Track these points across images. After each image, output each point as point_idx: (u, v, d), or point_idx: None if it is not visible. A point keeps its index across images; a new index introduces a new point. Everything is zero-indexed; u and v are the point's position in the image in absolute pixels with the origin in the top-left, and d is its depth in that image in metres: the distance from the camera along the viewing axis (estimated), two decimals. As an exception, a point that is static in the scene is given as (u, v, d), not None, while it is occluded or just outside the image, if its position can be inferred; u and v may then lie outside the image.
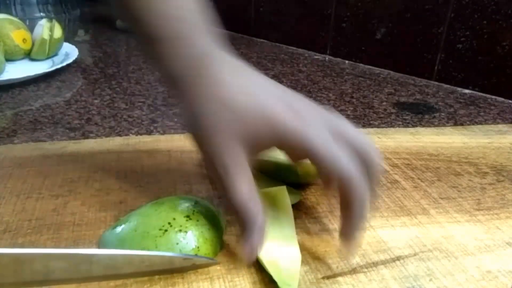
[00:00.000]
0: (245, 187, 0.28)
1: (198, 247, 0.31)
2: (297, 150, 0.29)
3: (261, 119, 0.28)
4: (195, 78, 0.30)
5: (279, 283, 0.29)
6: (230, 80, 0.30)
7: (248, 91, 0.30)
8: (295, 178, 0.40)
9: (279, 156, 0.41)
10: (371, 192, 0.30)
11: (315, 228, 0.37)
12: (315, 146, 0.28)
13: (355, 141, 0.30)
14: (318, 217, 0.38)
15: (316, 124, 0.29)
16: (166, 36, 0.30)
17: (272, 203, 0.36)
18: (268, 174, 0.41)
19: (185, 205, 0.33)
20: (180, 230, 0.31)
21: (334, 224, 0.38)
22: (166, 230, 0.31)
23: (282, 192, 0.38)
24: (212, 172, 0.30)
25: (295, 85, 0.78)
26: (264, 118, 0.28)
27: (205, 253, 0.32)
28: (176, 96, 0.31)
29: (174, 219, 0.32)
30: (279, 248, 0.32)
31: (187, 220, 0.32)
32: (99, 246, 0.33)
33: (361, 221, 0.30)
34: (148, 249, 0.30)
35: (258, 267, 0.32)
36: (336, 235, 0.36)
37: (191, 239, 0.31)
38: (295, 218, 0.38)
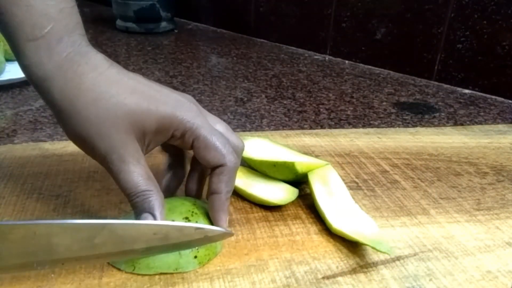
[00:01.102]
0: (142, 171, 0.30)
1: (197, 249, 0.31)
2: (184, 138, 0.31)
3: (147, 112, 0.30)
4: (72, 79, 0.29)
5: (371, 245, 0.33)
6: (117, 78, 0.31)
7: (130, 87, 0.30)
8: (294, 176, 0.40)
9: (278, 156, 0.41)
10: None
11: (315, 228, 0.37)
12: (202, 134, 0.31)
13: (228, 136, 0.34)
14: (318, 217, 0.38)
15: (200, 114, 0.32)
16: (35, 34, 0.29)
17: (323, 180, 0.40)
18: (267, 173, 0.41)
19: (184, 206, 0.33)
20: None
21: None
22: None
23: (328, 168, 0.41)
24: (107, 165, 0.30)
25: (295, 85, 0.78)
26: (150, 110, 0.30)
27: (205, 254, 0.32)
28: (50, 101, 0.30)
29: (173, 221, 0.32)
30: (352, 218, 0.36)
31: (185, 222, 0.32)
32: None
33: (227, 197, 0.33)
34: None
35: (258, 267, 0.32)
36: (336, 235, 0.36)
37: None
38: (295, 217, 0.38)
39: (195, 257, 0.31)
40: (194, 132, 0.31)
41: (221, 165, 0.32)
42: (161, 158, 0.39)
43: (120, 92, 0.30)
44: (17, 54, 0.29)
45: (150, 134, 0.31)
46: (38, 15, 0.28)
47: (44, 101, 0.30)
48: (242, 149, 0.35)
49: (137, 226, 0.29)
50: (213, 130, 0.32)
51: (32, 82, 0.30)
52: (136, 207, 0.31)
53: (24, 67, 0.30)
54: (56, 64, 0.29)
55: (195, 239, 0.30)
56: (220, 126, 0.34)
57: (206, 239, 0.31)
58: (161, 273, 0.31)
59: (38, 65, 0.29)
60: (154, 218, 0.30)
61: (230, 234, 0.32)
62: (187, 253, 0.31)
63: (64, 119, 0.30)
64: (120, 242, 0.28)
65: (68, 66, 0.29)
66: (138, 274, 0.31)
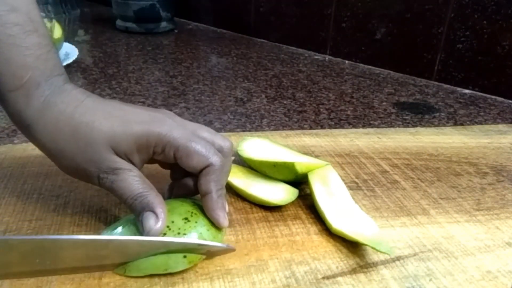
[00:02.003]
0: (135, 176, 0.31)
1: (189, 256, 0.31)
2: (165, 152, 0.32)
3: (123, 134, 0.31)
4: (51, 120, 0.31)
5: (371, 245, 0.33)
6: (92, 107, 0.32)
7: (104, 113, 0.31)
8: (294, 176, 0.40)
9: (278, 156, 0.41)
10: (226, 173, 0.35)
11: (315, 228, 0.37)
12: (180, 144, 0.32)
13: (212, 139, 0.34)
14: (318, 217, 0.38)
15: (177, 126, 0.32)
16: (16, 85, 0.30)
17: (323, 181, 0.40)
18: (267, 173, 0.41)
19: (183, 207, 0.33)
20: (179, 233, 0.31)
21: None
22: (164, 234, 0.31)
23: (328, 168, 0.41)
24: (103, 183, 0.31)
25: (295, 85, 0.78)
26: (126, 132, 0.31)
27: (195, 254, 0.32)
28: (37, 145, 0.32)
29: (172, 222, 0.31)
30: (352, 218, 0.36)
31: (185, 223, 0.32)
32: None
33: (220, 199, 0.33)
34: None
35: (258, 267, 0.32)
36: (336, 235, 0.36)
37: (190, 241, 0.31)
38: (295, 218, 0.38)
39: (184, 256, 0.31)
40: (173, 144, 0.31)
41: (206, 166, 0.32)
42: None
43: (95, 119, 0.31)
44: (2, 103, 0.31)
45: (132, 154, 0.31)
46: (16, 66, 0.30)
47: (32, 143, 0.32)
48: (229, 148, 0.35)
49: (141, 242, 0.29)
50: (191, 137, 0.32)
51: (18, 128, 0.32)
52: (135, 208, 0.31)
53: (9, 115, 0.31)
54: (35, 110, 0.31)
55: (198, 253, 0.31)
56: (201, 131, 0.34)
57: (209, 254, 0.32)
58: (151, 275, 0.31)
59: (19, 113, 0.31)
60: (156, 215, 0.30)
61: (231, 250, 0.32)
62: (176, 254, 0.31)
63: (53, 158, 0.32)
64: (124, 255, 0.30)
65: (46, 109, 0.31)
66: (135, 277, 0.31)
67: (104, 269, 0.31)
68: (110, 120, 0.31)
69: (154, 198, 0.31)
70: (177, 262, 0.31)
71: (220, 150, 0.34)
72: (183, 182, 0.36)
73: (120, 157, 0.31)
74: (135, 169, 0.32)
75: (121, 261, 0.30)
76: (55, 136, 0.31)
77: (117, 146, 0.31)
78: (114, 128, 0.31)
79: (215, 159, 0.32)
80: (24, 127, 0.31)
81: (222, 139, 0.35)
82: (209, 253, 0.32)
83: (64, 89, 0.32)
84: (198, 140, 0.32)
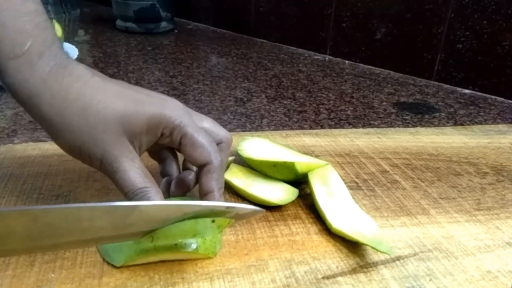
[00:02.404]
0: (138, 170, 0.31)
1: (197, 248, 0.31)
2: (173, 136, 0.32)
3: (136, 113, 0.31)
4: (59, 92, 0.30)
5: (371, 245, 0.33)
6: (102, 84, 0.31)
7: (116, 92, 0.31)
8: (294, 176, 0.40)
9: (278, 156, 0.41)
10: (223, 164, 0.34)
11: (315, 228, 0.37)
12: (189, 132, 0.32)
13: (214, 130, 0.35)
14: (318, 217, 0.38)
15: (187, 113, 0.33)
16: (16, 52, 0.29)
17: (323, 180, 0.39)
18: (267, 173, 0.41)
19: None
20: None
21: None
22: (154, 248, 0.30)
23: (328, 168, 0.41)
24: (104, 169, 0.31)
25: (295, 85, 0.78)
26: (138, 112, 0.31)
27: (204, 253, 0.32)
28: (39, 117, 0.30)
29: (154, 247, 0.31)
30: (352, 218, 0.36)
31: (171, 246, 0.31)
32: (98, 245, 0.33)
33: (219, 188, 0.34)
34: (147, 251, 0.30)
35: (258, 267, 0.32)
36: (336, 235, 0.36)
37: (190, 240, 0.31)
38: (295, 217, 0.38)
39: (213, 221, 0.30)
40: (182, 130, 0.32)
41: (207, 163, 0.33)
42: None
43: (107, 97, 0.30)
44: (0, 74, 0.30)
45: (141, 134, 0.31)
46: (15, 32, 0.29)
47: (33, 118, 0.31)
48: (231, 141, 0.36)
49: (167, 207, 0.28)
50: (199, 129, 0.33)
51: (18, 100, 0.30)
52: None
53: (8, 86, 0.30)
54: (40, 80, 0.29)
55: (226, 217, 0.30)
56: (206, 122, 0.35)
57: (237, 217, 0.31)
58: (150, 274, 0.30)
59: (22, 83, 0.29)
60: None
61: (260, 212, 0.31)
62: (204, 219, 0.30)
63: (55, 132, 0.30)
64: (151, 222, 0.28)
65: (53, 80, 0.30)
66: (142, 265, 0.31)
67: (131, 237, 0.29)
68: (123, 99, 0.31)
69: (155, 196, 0.31)
70: (206, 226, 0.30)
71: (220, 142, 0.35)
72: (180, 177, 0.36)
73: (129, 138, 0.31)
74: (138, 159, 0.31)
75: (147, 229, 0.29)
76: (62, 110, 0.29)
77: (128, 124, 0.30)
78: (127, 107, 0.30)
79: (216, 156, 0.33)
80: (26, 98, 0.30)
81: (225, 132, 0.36)
82: (238, 216, 0.31)
83: (69, 62, 0.31)
84: (204, 133, 0.33)
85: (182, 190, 0.35)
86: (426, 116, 0.67)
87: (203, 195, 0.33)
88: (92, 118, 0.29)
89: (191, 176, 0.36)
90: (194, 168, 0.36)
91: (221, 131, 0.36)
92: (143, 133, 0.31)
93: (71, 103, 0.29)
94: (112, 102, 0.30)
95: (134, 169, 0.30)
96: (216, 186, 0.33)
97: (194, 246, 0.31)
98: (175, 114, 0.32)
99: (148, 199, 0.30)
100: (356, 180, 0.45)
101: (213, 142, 0.33)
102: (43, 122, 0.30)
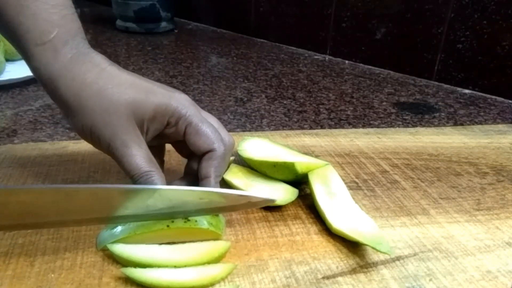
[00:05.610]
0: (144, 154, 0.33)
1: (211, 223, 0.33)
2: (178, 125, 0.34)
3: (145, 101, 0.33)
4: (77, 76, 0.32)
5: (371, 245, 0.33)
6: (117, 73, 0.34)
7: (129, 81, 0.34)
8: (294, 176, 0.40)
9: (278, 156, 0.41)
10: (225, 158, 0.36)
11: (315, 228, 0.37)
12: (194, 121, 0.34)
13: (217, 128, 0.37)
14: (318, 217, 0.38)
15: (193, 105, 0.35)
16: (43, 40, 0.32)
17: (323, 180, 0.40)
18: (267, 173, 0.41)
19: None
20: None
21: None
22: (167, 226, 0.32)
23: (328, 168, 0.41)
24: (112, 151, 0.33)
25: (295, 85, 0.78)
26: (148, 100, 0.33)
27: (215, 230, 0.33)
28: (58, 98, 0.33)
29: (172, 221, 0.32)
30: (352, 218, 0.36)
31: (185, 222, 0.33)
32: (98, 245, 0.33)
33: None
34: (158, 230, 0.32)
35: (258, 267, 0.32)
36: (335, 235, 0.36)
37: (200, 220, 0.33)
38: (295, 217, 0.38)
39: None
40: (187, 119, 0.34)
41: (210, 150, 0.34)
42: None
43: (121, 84, 0.33)
44: (26, 57, 0.33)
45: (148, 121, 0.34)
46: (43, 22, 0.32)
47: (52, 99, 0.34)
48: (232, 144, 0.38)
49: (182, 191, 0.31)
50: (203, 119, 0.35)
51: (41, 81, 0.33)
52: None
53: (33, 69, 0.33)
54: (62, 65, 0.32)
55: (240, 204, 0.33)
56: (212, 120, 0.37)
57: (250, 205, 0.33)
58: None
59: (46, 66, 0.32)
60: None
61: (271, 201, 0.34)
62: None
63: (71, 113, 0.33)
64: (170, 205, 0.31)
65: (73, 66, 0.32)
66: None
67: (155, 218, 0.32)
68: (134, 88, 0.33)
69: (158, 179, 0.32)
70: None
71: (222, 143, 0.36)
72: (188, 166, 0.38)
73: (137, 123, 0.33)
74: (145, 144, 0.33)
75: (169, 211, 0.32)
76: (80, 92, 0.32)
77: (137, 110, 0.33)
78: (137, 94, 0.33)
79: (219, 145, 0.35)
80: (48, 81, 0.32)
81: (227, 135, 0.38)
82: (250, 205, 0.34)
83: (90, 51, 0.34)
84: (209, 124, 0.35)
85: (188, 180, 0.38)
86: (426, 116, 0.67)
87: (200, 180, 0.35)
88: (105, 101, 0.32)
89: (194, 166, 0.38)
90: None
91: (224, 133, 0.37)
92: (151, 120, 0.33)
93: (88, 86, 0.32)
94: (125, 88, 0.33)
95: (140, 153, 0.33)
96: (213, 173, 0.34)
97: (205, 222, 0.33)
98: (182, 105, 0.34)
99: (151, 182, 0.32)
100: (356, 180, 0.45)
101: (217, 132, 0.35)
102: (61, 103, 0.33)
